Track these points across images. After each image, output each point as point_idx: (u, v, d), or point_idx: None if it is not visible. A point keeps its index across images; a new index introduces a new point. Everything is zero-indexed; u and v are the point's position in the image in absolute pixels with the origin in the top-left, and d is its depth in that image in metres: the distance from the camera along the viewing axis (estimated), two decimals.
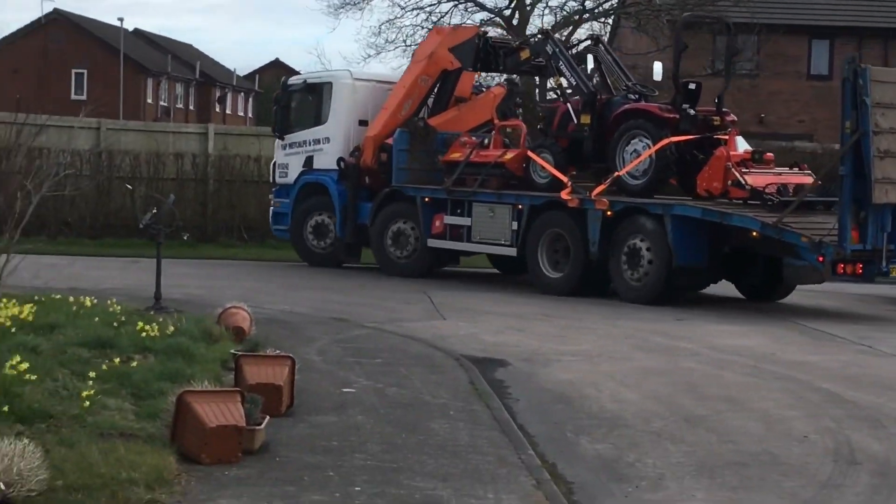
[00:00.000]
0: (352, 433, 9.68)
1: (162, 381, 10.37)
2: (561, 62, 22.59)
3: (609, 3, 38.62)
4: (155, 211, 16.57)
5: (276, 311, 16.99)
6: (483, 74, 27.82)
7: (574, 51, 24.27)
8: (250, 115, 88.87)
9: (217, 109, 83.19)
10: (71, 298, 14.45)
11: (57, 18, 72.10)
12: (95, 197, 29.44)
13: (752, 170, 20.38)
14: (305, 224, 25.28)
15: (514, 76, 26.08)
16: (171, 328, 12.80)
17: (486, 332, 16.15)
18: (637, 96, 22.02)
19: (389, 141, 23.94)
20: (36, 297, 14.05)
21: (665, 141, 20.46)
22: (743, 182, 19.96)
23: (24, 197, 12.93)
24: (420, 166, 23.74)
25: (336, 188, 24.58)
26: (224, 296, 17.05)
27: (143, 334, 12.23)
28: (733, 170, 20.14)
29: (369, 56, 38.47)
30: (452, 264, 24.55)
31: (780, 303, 21.27)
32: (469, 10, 37.77)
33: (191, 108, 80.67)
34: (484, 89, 26.23)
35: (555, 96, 25.85)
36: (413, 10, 37.56)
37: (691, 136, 20.87)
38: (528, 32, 25.11)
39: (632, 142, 20.91)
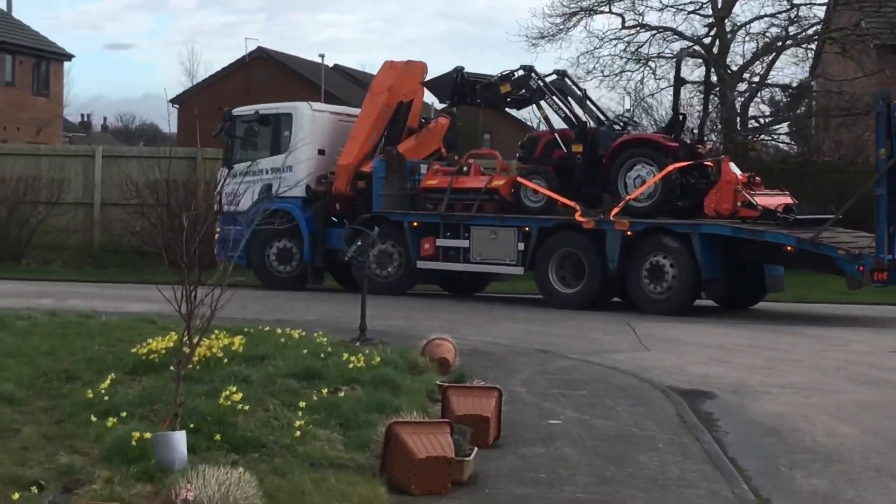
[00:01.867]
0: (560, 465, 9.58)
1: (370, 412, 10.44)
2: (547, 95, 24.34)
3: (813, 29, 37.72)
4: (360, 243, 16.76)
5: (478, 343, 16.98)
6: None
7: (541, 83, 24.80)
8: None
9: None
10: (279, 330, 14.72)
11: (260, 56, 73.90)
12: None
13: (756, 192, 22.56)
14: (267, 250, 26.24)
15: (453, 108, 27.67)
16: (377, 359, 12.90)
17: (691, 364, 15.87)
18: (621, 126, 24.46)
19: (364, 168, 25.29)
20: (245, 329, 14.37)
21: (670, 167, 22.56)
22: (754, 203, 22.12)
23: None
24: (393, 192, 25.11)
25: (302, 214, 25.51)
26: (426, 327, 17.15)
27: (350, 365, 12.36)
28: (743, 192, 22.25)
29: None
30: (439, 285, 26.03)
31: None
32: (668, 39, 37.43)
33: None
34: (423, 121, 27.20)
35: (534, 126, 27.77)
36: (611, 40, 37.37)
37: (689, 163, 22.96)
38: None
39: (635, 168, 22.89)
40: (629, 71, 37.36)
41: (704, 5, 37.39)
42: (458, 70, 25.75)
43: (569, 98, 24.85)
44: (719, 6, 36.76)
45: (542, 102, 24.45)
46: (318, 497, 7.83)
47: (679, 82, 23.99)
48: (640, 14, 37.54)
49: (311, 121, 26.06)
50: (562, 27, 37.67)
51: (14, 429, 9.47)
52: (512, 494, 8.65)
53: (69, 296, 22.37)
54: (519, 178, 24.07)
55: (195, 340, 9.03)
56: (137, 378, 11.63)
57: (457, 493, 8.54)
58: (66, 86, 56.41)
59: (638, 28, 37.45)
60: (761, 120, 38.40)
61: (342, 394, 11.26)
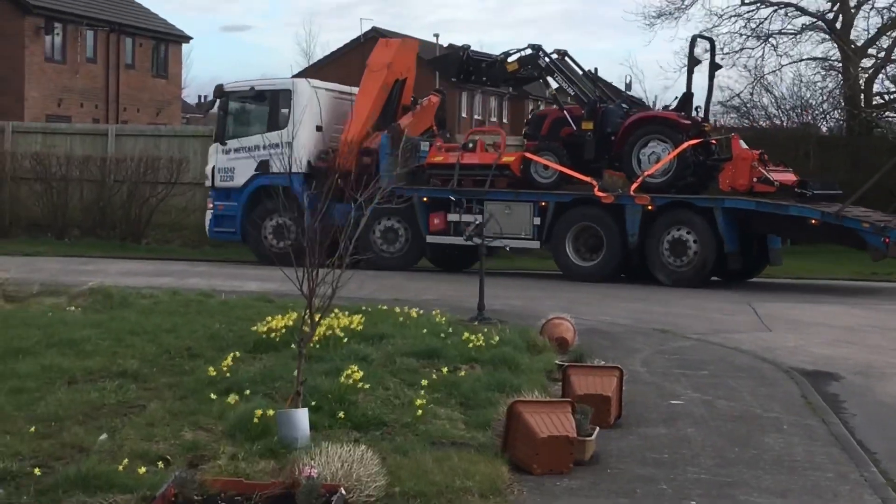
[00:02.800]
0: (683, 446, 9.44)
1: (490, 391, 10.41)
2: (556, 73, 25.00)
3: None
4: (477, 223, 16.74)
5: (596, 322, 16.85)
6: None
7: (549, 61, 25.29)
8: None
9: None
10: (397, 309, 14.74)
11: (375, 36, 74.14)
12: None
13: (770, 168, 23.21)
14: (264, 225, 26.34)
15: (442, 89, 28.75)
16: (496, 339, 12.86)
17: (814, 344, 15.58)
18: (628, 105, 24.90)
19: (368, 145, 25.64)
20: (364, 308, 14.41)
21: (686, 144, 23.12)
22: (770, 179, 22.80)
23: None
24: (399, 169, 25.05)
25: (303, 191, 25.08)
26: (543, 307, 17.09)
27: (470, 345, 12.34)
28: (759, 168, 22.92)
29: (684, 66, 37.75)
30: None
31: None
32: (790, 14, 36.78)
33: (504, 120, 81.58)
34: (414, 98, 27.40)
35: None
36: (731, 17, 36.83)
37: (700, 140, 23.53)
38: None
39: (649, 144, 23.44)
40: (749, 48, 36.81)
41: None
42: (465, 48, 26.62)
43: (569, 76, 25.31)
44: None
45: (550, 80, 25.13)
46: (439, 475, 7.79)
47: (693, 62, 24.61)
48: None
49: (309, 97, 25.96)
50: (680, 5, 37.25)
51: (140, 405, 9.61)
52: (634, 474, 8.55)
53: (189, 275, 22.67)
54: (528, 154, 24.56)
55: (316, 319, 9.06)
56: (258, 356, 11.73)
57: (579, 473, 8.46)
58: (184, 67, 57.25)
59: (758, 4, 36.87)
60: (886, 97, 37.55)
61: (462, 373, 11.24)
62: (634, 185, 23.29)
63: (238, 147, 26.64)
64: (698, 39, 25.20)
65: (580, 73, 25.78)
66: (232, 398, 9.18)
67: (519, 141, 27.56)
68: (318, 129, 26.45)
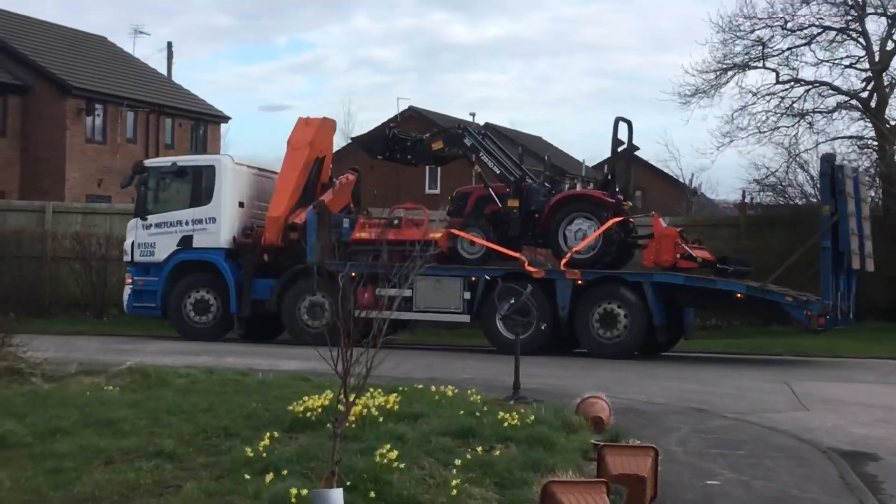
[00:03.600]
0: None
1: (525, 470, 10.39)
2: (482, 153, 25.87)
3: None
4: (513, 301, 16.77)
5: (632, 401, 16.79)
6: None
7: (476, 140, 26.25)
8: None
9: None
10: (433, 388, 14.76)
11: (412, 115, 74.77)
12: None
13: (689, 245, 24.38)
14: (184, 301, 26.83)
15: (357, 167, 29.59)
16: (531, 418, 12.84)
17: (853, 424, 15.47)
18: (552, 184, 25.96)
19: (294, 220, 26.34)
20: (400, 387, 14.43)
21: (611, 221, 24.28)
22: (693, 255, 24.06)
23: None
24: (324, 244, 25.76)
25: (227, 265, 26.34)
26: (580, 385, 17.05)
27: (505, 424, 12.33)
28: (682, 244, 24.09)
29: (722, 144, 37.77)
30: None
31: None
32: (823, 94, 36.83)
33: None
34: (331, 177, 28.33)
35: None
36: (765, 95, 36.93)
37: (621, 219, 24.69)
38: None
39: (575, 221, 24.59)
40: (784, 126, 36.86)
41: (861, 59, 36.76)
42: (390, 127, 28.05)
43: (494, 155, 26.22)
44: (876, 60, 36.06)
45: (476, 158, 25.92)
46: None
47: (616, 143, 25.36)
48: (794, 69, 37.12)
49: (233, 174, 26.94)
50: (714, 83, 37.36)
51: (176, 485, 9.64)
52: None
53: (225, 353, 22.76)
54: (455, 231, 25.35)
55: (351, 399, 9.10)
56: (294, 435, 11.75)
57: None
58: (223, 146, 57.62)
59: (792, 83, 36.97)
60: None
61: (497, 452, 11.22)
62: (564, 261, 24.20)
63: (159, 222, 27.14)
64: (620, 121, 25.95)
65: (500, 152, 26.59)
66: (268, 478, 9.21)
67: (441, 217, 28.36)
68: (241, 205, 27.13)
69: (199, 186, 27.07)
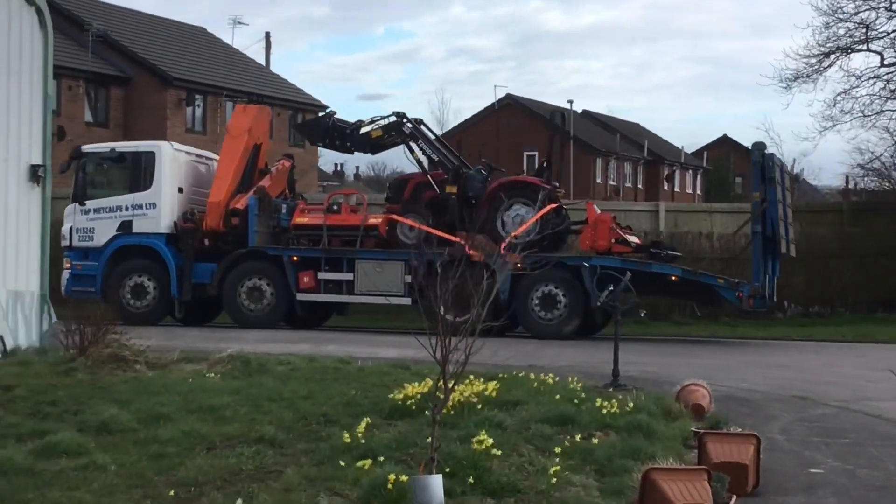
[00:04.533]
0: None
1: (624, 458, 10.31)
2: (420, 141, 26.47)
3: None
4: (612, 289, 16.69)
5: (733, 389, 16.62)
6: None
7: (412, 128, 26.81)
8: (699, 191, 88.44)
9: (665, 187, 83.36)
10: (532, 375, 14.72)
11: (509, 103, 74.82)
12: None
13: (623, 231, 25.45)
14: (123, 285, 26.97)
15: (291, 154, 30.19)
16: (631, 405, 12.77)
17: None
18: (487, 171, 26.49)
19: (236, 206, 26.66)
20: (499, 375, 14.42)
21: (548, 207, 25.24)
22: (628, 240, 25.27)
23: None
24: (264, 229, 26.62)
25: (168, 250, 26.53)
26: (679, 373, 16.92)
27: (604, 411, 12.27)
28: (618, 230, 25.25)
29: (824, 129, 37.16)
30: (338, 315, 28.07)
31: None
32: None
33: (639, 186, 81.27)
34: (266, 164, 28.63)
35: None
36: (870, 78, 36.31)
37: (557, 204, 25.77)
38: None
39: (513, 207, 25.46)
40: (889, 110, 36.20)
41: None
42: (329, 114, 28.49)
43: (432, 143, 26.94)
44: None
45: (413, 146, 26.46)
46: None
47: (555, 130, 27.20)
48: None
49: (172, 159, 27.08)
50: (817, 67, 36.80)
51: (277, 470, 9.71)
52: None
53: (325, 341, 22.90)
54: (395, 216, 26.00)
55: (450, 386, 9.10)
56: (393, 422, 11.79)
57: None
58: None
59: None
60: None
61: (596, 440, 11.17)
62: (503, 245, 24.29)
63: (98, 207, 27.29)
64: (554, 113, 26.94)
65: (433, 139, 27.31)
66: (366, 464, 9.23)
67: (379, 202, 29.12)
68: (180, 190, 27.33)
69: (139, 172, 27.27)
